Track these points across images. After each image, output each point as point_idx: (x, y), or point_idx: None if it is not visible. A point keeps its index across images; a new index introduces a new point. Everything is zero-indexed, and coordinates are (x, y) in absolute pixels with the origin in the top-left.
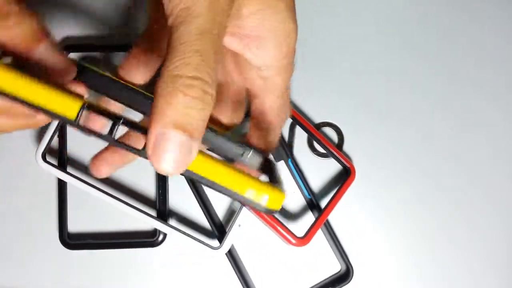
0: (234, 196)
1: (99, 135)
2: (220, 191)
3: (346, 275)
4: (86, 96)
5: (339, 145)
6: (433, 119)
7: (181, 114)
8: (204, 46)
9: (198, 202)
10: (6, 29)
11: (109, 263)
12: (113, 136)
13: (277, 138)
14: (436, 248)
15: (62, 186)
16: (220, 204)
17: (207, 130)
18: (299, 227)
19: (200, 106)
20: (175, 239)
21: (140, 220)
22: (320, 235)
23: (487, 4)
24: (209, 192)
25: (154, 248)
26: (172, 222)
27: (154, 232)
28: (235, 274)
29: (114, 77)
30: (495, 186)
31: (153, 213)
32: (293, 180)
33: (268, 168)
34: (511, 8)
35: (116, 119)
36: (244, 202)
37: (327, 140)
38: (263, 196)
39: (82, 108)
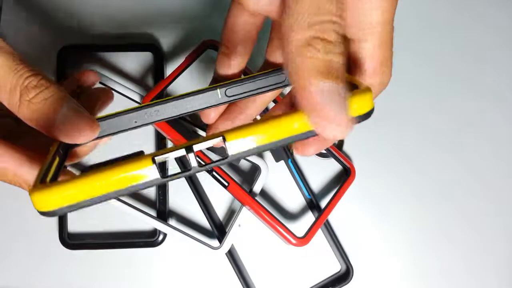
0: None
1: (187, 171)
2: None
3: (346, 275)
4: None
5: (339, 145)
6: (433, 120)
7: (323, 62)
8: None
9: (198, 202)
10: (31, 102)
11: (109, 263)
12: (199, 164)
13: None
14: (436, 248)
15: None
16: (220, 204)
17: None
18: (299, 227)
19: (338, 49)
20: (175, 239)
21: (140, 220)
22: (320, 235)
23: (487, 5)
24: (209, 192)
25: (154, 248)
26: (172, 222)
27: (154, 232)
28: (235, 274)
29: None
30: (496, 186)
31: (153, 213)
32: (293, 180)
33: None
34: (511, 9)
35: (186, 148)
36: None
37: None
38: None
39: (155, 164)
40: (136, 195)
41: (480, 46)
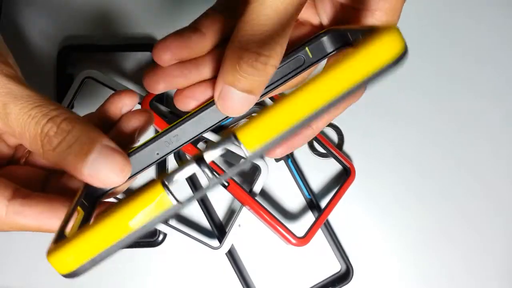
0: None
1: (206, 188)
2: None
3: (346, 275)
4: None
5: (339, 145)
6: (433, 119)
7: (245, 79)
8: (273, 25)
9: (198, 202)
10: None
11: (109, 263)
12: (212, 175)
13: None
14: (436, 248)
15: None
16: (220, 204)
17: None
18: (299, 227)
19: (263, 75)
20: (175, 239)
21: None
22: (320, 235)
23: (487, 4)
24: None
25: (154, 248)
26: (172, 222)
27: (154, 232)
28: (235, 274)
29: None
30: (496, 186)
31: None
32: (293, 180)
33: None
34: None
35: (197, 161)
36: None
37: (327, 140)
38: (381, 48)
39: (167, 189)
40: None
41: (481, 46)
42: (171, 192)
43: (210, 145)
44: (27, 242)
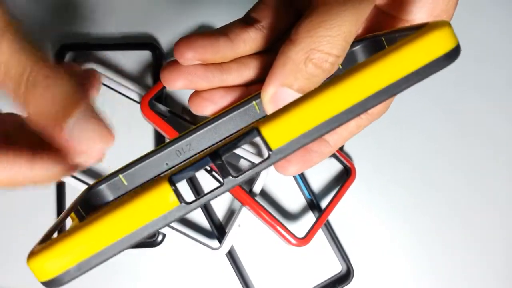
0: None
1: (218, 188)
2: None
3: (346, 275)
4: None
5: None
6: (434, 120)
7: (306, 79)
8: (351, 25)
9: None
10: (34, 98)
11: (108, 263)
12: (229, 174)
13: None
14: (436, 249)
15: (60, 186)
16: (220, 204)
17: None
18: (300, 227)
19: (324, 76)
20: (175, 239)
21: None
22: (320, 236)
23: (488, 2)
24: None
25: (154, 248)
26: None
27: (154, 232)
28: (235, 275)
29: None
30: (496, 188)
31: None
32: (293, 180)
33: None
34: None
35: (211, 156)
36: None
37: None
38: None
39: (174, 188)
40: None
41: (482, 46)
42: (178, 192)
43: (226, 140)
44: (28, 242)
